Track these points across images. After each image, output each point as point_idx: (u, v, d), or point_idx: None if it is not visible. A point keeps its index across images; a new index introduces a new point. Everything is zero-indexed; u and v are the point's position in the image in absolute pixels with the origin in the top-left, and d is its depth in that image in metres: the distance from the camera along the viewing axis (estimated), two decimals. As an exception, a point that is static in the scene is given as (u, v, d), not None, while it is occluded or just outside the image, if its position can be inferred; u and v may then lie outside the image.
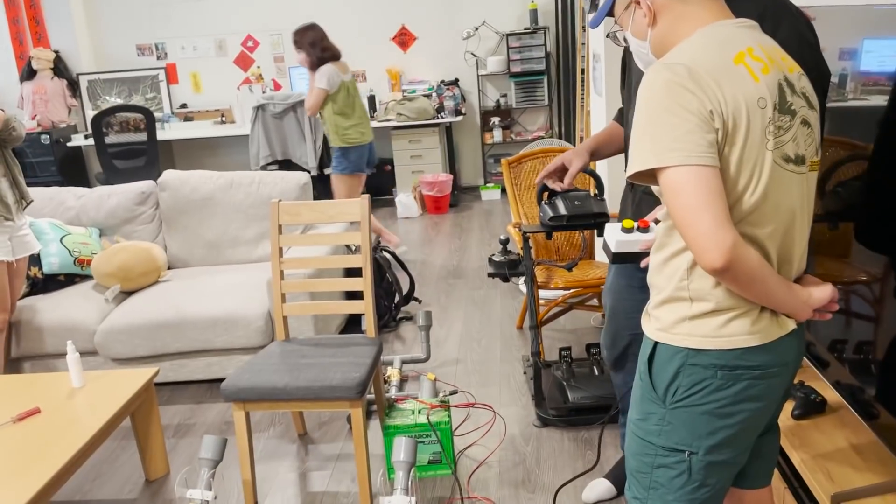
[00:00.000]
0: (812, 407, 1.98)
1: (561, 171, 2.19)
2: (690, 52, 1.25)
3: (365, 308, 2.65)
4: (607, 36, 1.75)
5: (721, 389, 1.30)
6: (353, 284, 2.68)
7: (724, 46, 1.25)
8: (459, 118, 6.39)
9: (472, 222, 5.89)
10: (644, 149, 1.23)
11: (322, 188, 5.91)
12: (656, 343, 1.36)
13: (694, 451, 1.34)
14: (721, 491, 1.39)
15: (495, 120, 6.64)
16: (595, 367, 2.95)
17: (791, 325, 1.32)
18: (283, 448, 2.84)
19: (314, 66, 4.62)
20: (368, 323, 2.65)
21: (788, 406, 2.00)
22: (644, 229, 1.67)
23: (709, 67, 1.22)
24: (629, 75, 2.11)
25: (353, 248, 3.70)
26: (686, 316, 1.31)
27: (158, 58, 6.97)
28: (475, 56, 6.56)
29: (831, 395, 1.99)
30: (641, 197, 2.05)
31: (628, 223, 1.60)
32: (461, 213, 6.19)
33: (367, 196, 2.61)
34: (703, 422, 1.32)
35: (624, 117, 2.18)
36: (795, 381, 1.95)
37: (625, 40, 1.50)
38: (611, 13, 1.49)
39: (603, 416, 2.72)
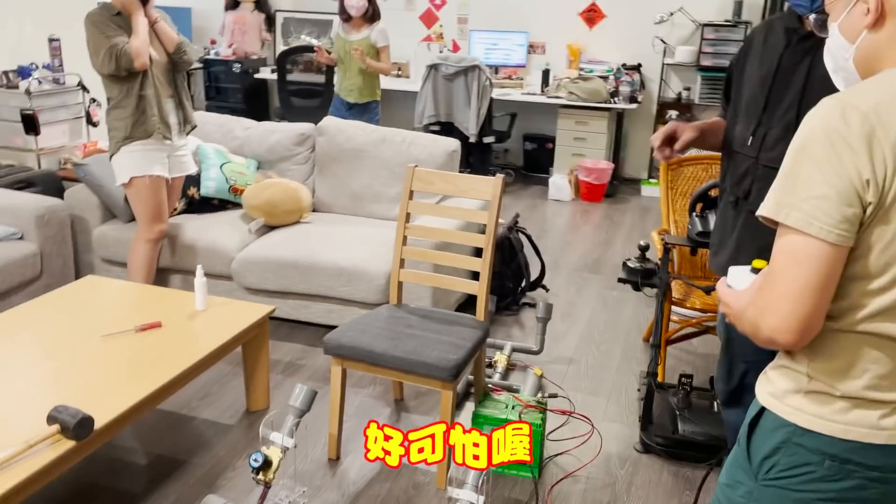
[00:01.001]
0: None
1: (671, 139, 2.05)
2: (884, 92, 1.02)
3: (479, 290, 2.56)
4: (810, 14, 1.51)
5: (824, 481, 1.09)
6: (472, 263, 2.61)
7: None
8: (634, 106, 6.05)
9: (625, 217, 5.60)
10: (774, 191, 1.06)
11: (479, 155, 5.86)
12: (763, 408, 1.17)
13: None
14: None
15: (673, 113, 6.21)
16: (715, 403, 2.69)
17: None
18: (377, 409, 2.85)
19: (371, 19, 4.59)
20: (480, 306, 2.57)
21: None
22: None
23: (893, 121, 0.99)
24: (738, 94, 1.98)
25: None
26: (801, 388, 1.11)
27: (350, 4, 7.16)
28: (664, 43, 6.16)
29: None
30: (746, 217, 1.88)
31: (759, 263, 1.37)
32: (615, 205, 5.91)
33: (501, 176, 2.51)
34: None
35: (728, 133, 2.03)
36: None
37: (822, 27, 1.21)
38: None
39: (711, 458, 2.48)
